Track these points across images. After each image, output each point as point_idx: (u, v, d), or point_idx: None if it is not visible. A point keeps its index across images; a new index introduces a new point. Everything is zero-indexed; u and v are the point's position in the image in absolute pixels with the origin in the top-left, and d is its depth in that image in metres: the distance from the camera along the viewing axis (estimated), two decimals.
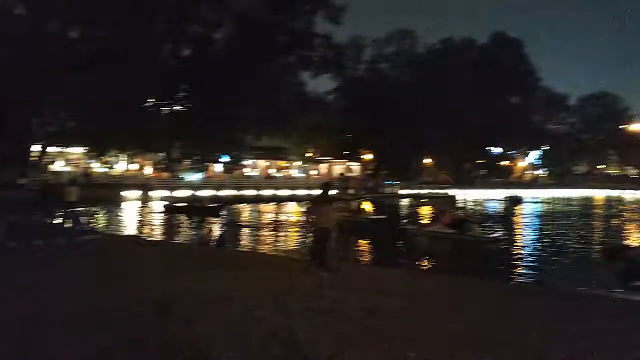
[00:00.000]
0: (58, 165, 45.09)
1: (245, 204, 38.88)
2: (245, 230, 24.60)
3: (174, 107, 47.88)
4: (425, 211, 37.84)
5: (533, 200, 53.90)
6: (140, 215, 31.20)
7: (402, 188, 56.65)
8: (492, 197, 55.97)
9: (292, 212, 35.45)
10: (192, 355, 4.89)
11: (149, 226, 25.73)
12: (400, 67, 65.73)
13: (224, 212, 30.61)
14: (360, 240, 20.76)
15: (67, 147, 45.01)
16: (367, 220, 26.82)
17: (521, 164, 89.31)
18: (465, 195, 57.96)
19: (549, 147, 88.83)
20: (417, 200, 49.78)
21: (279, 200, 43.75)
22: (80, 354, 4.91)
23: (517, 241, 23.02)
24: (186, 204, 32.58)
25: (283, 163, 61.83)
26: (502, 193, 57.38)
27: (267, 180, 53.27)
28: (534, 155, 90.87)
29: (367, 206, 29.93)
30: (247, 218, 31.29)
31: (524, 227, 30.98)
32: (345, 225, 16.19)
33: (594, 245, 21.39)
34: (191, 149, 48.68)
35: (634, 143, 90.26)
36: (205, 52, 45.91)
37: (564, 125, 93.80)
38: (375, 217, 28.72)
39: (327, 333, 5.69)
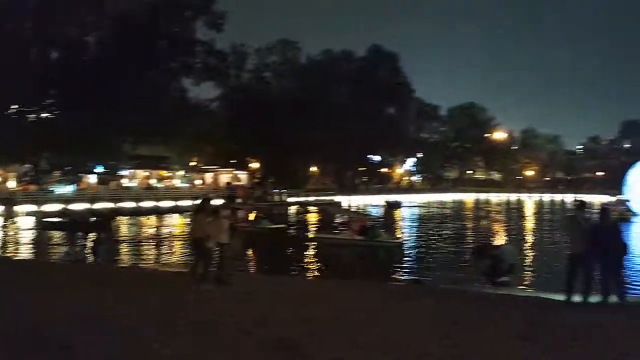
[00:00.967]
0: None
1: (123, 217, 36.58)
2: (125, 245, 23.13)
3: (42, 114, 43.99)
4: (320, 218, 38.42)
5: (410, 205, 57.20)
6: (4, 232, 28.10)
7: (289, 196, 57.11)
8: (374, 203, 58.49)
9: (175, 224, 34.10)
10: None
11: (16, 244, 23.27)
12: (284, 77, 66.53)
13: (100, 227, 28.53)
14: (264, 251, 20.66)
15: None
16: (266, 229, 26.69)
17: (399, 170, 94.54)
18: (349, 202, 59.91)
19: (423, 155, 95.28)
20: (304, 207, 50.40)
21: (161, 212, 41.78)
22: None
23: (413, 244, 24.28)
24: (60, 219, 29.93)
25: (165, 173, 59.33)
26: (383, 199, 60.24)
27: (148, 191, 50.73)
28: (410, 163, 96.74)
29: (259, 216, 29.82)
30: (126, 232, 29.44)
31: (409, 230, 32.70)
32: (243, 236, 15.95)
33: (468, 244, 23.14)
34: (61, 160, 44.97)
35: (498, 150, 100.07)
36: (78, 56, 42.79)
37: (436, 134, 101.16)
38: (275, 226, 28.75)
39: (216, 348, 5.47)
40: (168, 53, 47.60)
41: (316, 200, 56.57)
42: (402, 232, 30.99)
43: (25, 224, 30.33)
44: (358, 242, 21.11)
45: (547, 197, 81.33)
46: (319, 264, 17.96)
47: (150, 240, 24.81)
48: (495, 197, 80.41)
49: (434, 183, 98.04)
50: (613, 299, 8.44)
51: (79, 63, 41.61)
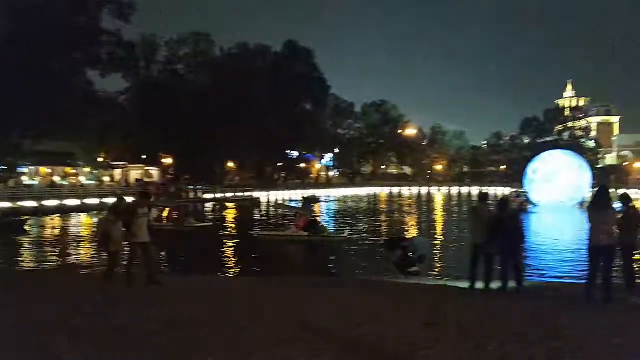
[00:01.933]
0: None
1: (24, 217, 33.90)
2: (25, 247, 21.46)
3: None
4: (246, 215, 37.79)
5: (328, 200, 58.05)
6: None
7: (206, 192, 55.74)
8: (293, 198, 58.70)
9: (82, 223, 32.20)
10: None
11: None
12: (197, 69, 64.71)
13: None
14: (196, 250, 20.02)
15: None
16: (193, 228, 25.87)
17: (317, 166, 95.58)
18: (268, 197, 59.73)
19: (339, 150, 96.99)
20: (221, 204, 49.47)
21: (66, 211, 39.20)
22: None
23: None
24: None
25: (70, 169, 55.81)
26: (301, 194, 60.66)
27: (51, 190, 47.42)
28: (327, 158, 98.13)
29: (183, 213, 29.09)
30: (27, 232, 27.29)
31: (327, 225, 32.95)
32: (166, 235, 15.44)
33: (382, 237, 23.77)
34: None
35: (409, 145, 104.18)
36: None
37: (352, 131, 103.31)
38: (202, 224, 27.93)
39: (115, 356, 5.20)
40: (71, 43, 44.83)
41: (234, 196, 55.82)
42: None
43: None
44: (303, 238, 20.99)
45: (455, 190, 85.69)
46: (255, 262, 17.56)
47: (55, 241, 23.22)
48: (408, 191, 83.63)
49: (350, 178, 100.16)
50: (512, 284, 9.01)
51: None
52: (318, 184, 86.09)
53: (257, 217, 37.30)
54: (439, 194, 78.60)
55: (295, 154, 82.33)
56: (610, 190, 8.59)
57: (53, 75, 41.99)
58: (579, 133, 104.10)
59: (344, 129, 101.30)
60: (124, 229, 9.38)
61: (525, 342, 5.67)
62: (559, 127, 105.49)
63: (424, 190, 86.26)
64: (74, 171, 56.06)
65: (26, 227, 26.87)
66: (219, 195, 55.68)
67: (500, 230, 8.80)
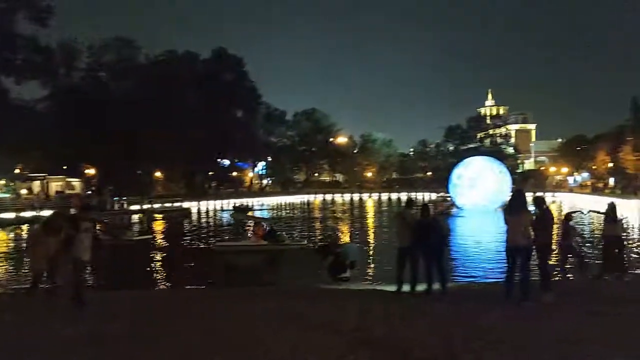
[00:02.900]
0: None
1: None
2: None
3: None
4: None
5: (260, 208, 57.62)
6: None
7: (132, 204, 53.58)
8: (224, 207, 57.73)
9: None
10: None
11: None
12: (120, 77, 62.20)
13: None
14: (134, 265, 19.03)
15: None
16: (131, 241, 24.72)
17: (250, 174, 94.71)
18: (199, 207, 58.41)
19: (272, 159, 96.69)
20: (149, 215, 47.68)
21: None
22: None
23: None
24: None
25: None
26: (233, 203, 59.80)
27: None
28: (260, 166, 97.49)
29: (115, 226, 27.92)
30: None
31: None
32: (106, 249, 14.65)
33: (315, 243, 23.82)
34: None
35: (340, 153, 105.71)
36: None
37: (283, 138, 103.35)
38: (140, 237, 26.78)
39: None
40: None
41: (162, 207, 54.07)
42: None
43: None
44: (262, 247, 20.53)
45: (385, 196, 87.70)
46: (208, 274, 16.97)
47: None
48: (340, 198, 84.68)
49: (283, 186, 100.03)
50: (436, 286, 9.31)
51: None
52: (251, 192, 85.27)
53: (187, 227, 36.38)
54: (370, 200, 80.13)
55: (226, 162, 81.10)
56: (526, 194, 9.08)
57: None
58: (500, 140, 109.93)
59: (276, 137, 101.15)
60: (65, 245, 8.73)
61: (450, 343, 5.86)
62: (480, 134, 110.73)
63: (355, 196, 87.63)
64: None
65: None
66: (146, 207, 53.69)
67: (423, 234, 9.10)
